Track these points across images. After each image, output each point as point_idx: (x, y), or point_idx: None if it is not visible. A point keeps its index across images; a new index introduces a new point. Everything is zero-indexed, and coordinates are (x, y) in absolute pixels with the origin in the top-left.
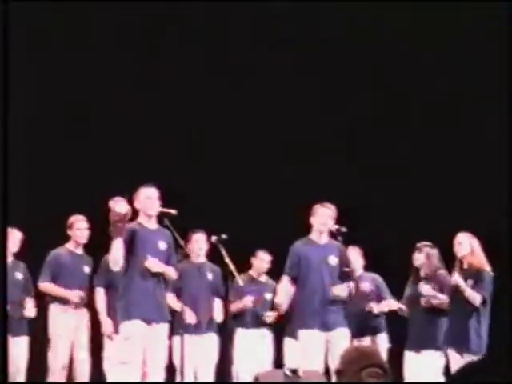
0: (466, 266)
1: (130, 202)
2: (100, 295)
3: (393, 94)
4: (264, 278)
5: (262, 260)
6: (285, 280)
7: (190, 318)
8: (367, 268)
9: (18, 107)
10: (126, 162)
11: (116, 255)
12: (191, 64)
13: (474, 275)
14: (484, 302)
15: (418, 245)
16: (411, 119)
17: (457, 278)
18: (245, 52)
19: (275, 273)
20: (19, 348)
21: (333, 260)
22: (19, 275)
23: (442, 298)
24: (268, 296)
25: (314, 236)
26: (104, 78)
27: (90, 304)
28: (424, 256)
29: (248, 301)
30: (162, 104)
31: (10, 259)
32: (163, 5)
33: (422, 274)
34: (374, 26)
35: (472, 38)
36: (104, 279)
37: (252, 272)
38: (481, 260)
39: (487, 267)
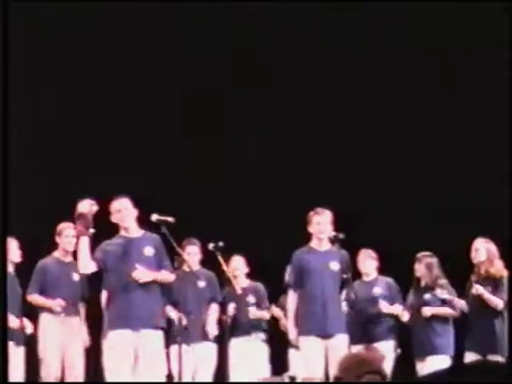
0: (483, 272)
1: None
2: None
3: (394, 97)
4: (246, 282)
5: (237, 264)
6: (291, 295)
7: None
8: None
9: (17, 108)
10: (122, 169)
11: (83, 256)
12: (189, 65)
13: (492, 281)
14: (506, 306)
15: (418, 255)
16: (414, 122)
17: (478, 288)
18: (244, 54)
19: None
20: (16, 359)
21: (335, 266)
22: (19, 289)
23: (460, 303)
24: (252, 299)
25: (314, 243)
26: (103, 79)
27: (89, 312)
28: (424, 266)
29: (230, 308)
30: (159, 111)
31: (11, 269)
32: (163, 5)
33: (422, 283)
34: (374, 27)
35: (472, 37)
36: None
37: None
38: (498, 266)
39: (505, 272)
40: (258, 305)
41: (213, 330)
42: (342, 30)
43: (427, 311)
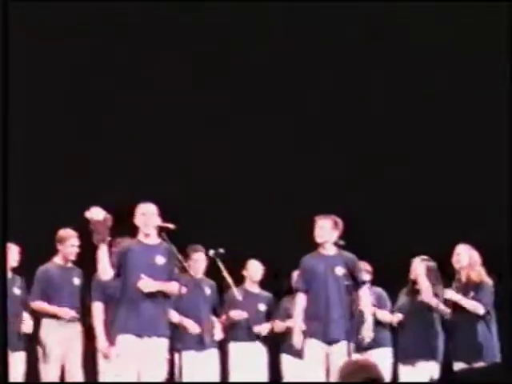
0: (464, 278)
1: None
2: (97, 310)
3: (391, 105)
4: (257, 290)
5: (254, 269)
6: (299, 298)
7: (192, 328)
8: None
9: (17, 110)
10: (122, 175)
11: (103, 263)
12: (187, 73)
13: (474, 287)
14: (488, 312)
15: (416, 258)
16: (410, 131)
17: (451, 295)
18: (242, 54)
19: (270, 285)
20: (16, 364)
21: (339, 271)
22: (17, 290)
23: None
24: (261, 307)
25: (321, 248)
26: (103, 81)
27: (83, 317)
28: (423, 269)
29: (237, 314)
30: (159, 118)
31: (9, 274)
32: (164, 5)
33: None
34: (370, 27)
35: (472, 36)
36: (101, 293)
37: (245, 285)
38: (479, 272)
39: (486, 278)
40: (268, 314)
41: (218, 335)
42: (341, 29)
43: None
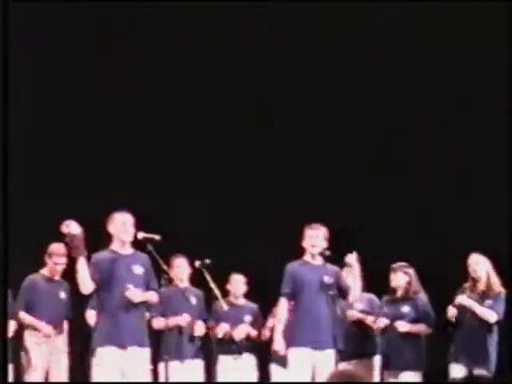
0: (482, 287)
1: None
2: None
3: (390, 114)
4: (242, 302)
5: (237, 283)
6: (282, 304)
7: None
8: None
9: (17, 109)
10: (110, 185)
11: (82, 277)
12: (178, 81)
13: (491, 296)
14: (498, 321)
15: (394, 265)
16: (409, 140)
17: (463, 300)
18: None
19: (254, 296)
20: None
21: (328, 280)
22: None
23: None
24: (247, 319)
25: (307, 258)
26: (102, 81)
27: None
28: (404, 277)
29: (222, 328)
30: (147, 127)
31: None
32: (165, 4)
33: (399, 294)
34: (371, 28)
35: (472, 37)
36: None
37: (230, 298)
38: (496, 281)
39: (502, 289)
40: (252, 325)
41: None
42: (341, 29)
43: (402, 327)
